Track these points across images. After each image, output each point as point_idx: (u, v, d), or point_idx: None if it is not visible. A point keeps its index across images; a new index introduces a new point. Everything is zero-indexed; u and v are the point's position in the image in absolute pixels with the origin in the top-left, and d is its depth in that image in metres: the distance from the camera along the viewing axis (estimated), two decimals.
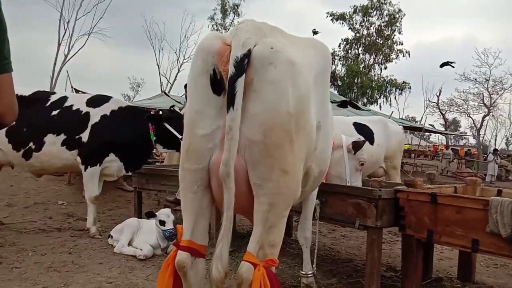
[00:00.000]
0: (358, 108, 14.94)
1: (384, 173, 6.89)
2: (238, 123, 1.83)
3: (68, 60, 27.34)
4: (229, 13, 34.86)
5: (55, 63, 26.88)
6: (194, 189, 2.03)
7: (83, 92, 15.81)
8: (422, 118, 35.99)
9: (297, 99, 1.97)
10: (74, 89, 16.26)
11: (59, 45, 27.17)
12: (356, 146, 4.03)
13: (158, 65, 34.32)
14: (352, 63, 34.47)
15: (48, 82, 26.81)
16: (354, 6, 33.90)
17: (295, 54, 2.02)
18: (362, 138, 4.58)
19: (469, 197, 3.10)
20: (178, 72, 34.23)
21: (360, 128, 6.42)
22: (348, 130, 6.12)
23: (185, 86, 5.91)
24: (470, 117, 32.86)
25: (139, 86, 43.86)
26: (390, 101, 34.80)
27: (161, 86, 33.46)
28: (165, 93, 22.41)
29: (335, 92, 32.00)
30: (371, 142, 6.23)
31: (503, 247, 2.77)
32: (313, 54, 2.32)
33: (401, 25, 33.46)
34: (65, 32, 27.29)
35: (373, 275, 3.32)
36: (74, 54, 27.73)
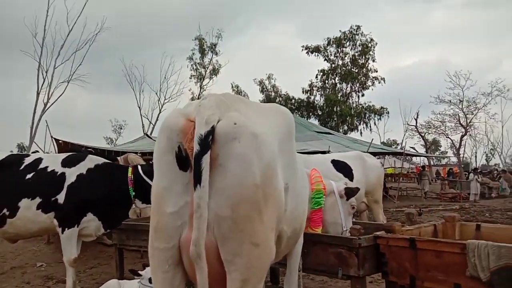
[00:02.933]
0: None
1: (366, 208, 6.93)
2: (206, 200, 1.83)
3: (48, 108, 27.14)
4: (207, 52, 35.56)
5: (34, 112, 26.64)
6: (165, 267, 1.99)
7: (64, 141, 15.71)
8: (402, 141, 36.69)
9: (262, 169, 1.98)
10: (54, 138, 16.09)
11: (38, 94, 27.00)
12: (350, 193, 4.08)
13: (140, 107, 34.42)
14: (330, 92, 35.27)
15: (28, 131, 26.50)
16: (328, 38, 35.09)
17: (258, 125, 2.05)
18: (346, 180, 4.60)
19: (446, 241, 3.12)
20: (160, 112, 34.34)
21: (339, 165, 6.49)
22: (327, 168, 6.18)
23: None
24: (448, 137, 33.58)
25: (121, 128, 43.79)
26: (370, 127, 35.54)
27: (143, 127, 33.46)
28: (147, 135, 22.37)
29: (316, 122, 32.52)
30: (351, 179, 6.28)
31: None
32: (276, 121, 2.36)
33: (374, 53, 34.72)
34: (44, 81, 27.22)
35: None
36: (54, 102, 27.59)
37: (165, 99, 34.73)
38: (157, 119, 33.76)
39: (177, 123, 1.97)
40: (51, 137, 16.27)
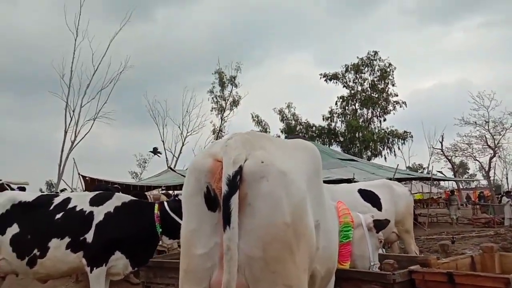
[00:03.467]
0: None
1: (397, 238, 6.69)
2: (236, 241, 1.80)
3: (75, 146, 27.97)
4: (227, 85, 36.27)
5: (62, 150, 27.48)
6: None
7: (91, 178, 16.06)
8: (429, 165, 35.79)
9: (292, 208, 1.95)
10: (81, 175, 16.50)
11: (65, 132, 27.96)
12: (380, 226, 3.98)
13: (163, 141, 34.96)
14: (351, 118, 35.09)
15: (55, 169, 27.25)
16: (346, 65, 35.29)
17: (285, 163, 2.04)
18: (374, 210, 4.47)
19: (487, 275, 2.96)
20: (183, 145, 34.80)
21: (366, 194, 6.34)
22: (354, 199, 6.05)
23: None
24: (477, 160, 32.60)
25: (145, 162, 44.43)
26: (394, 151, 34.98)
27: (166, 161, 33.88)
28: (171, 168, 22.66)
29: (338, 149, 32.25)
30: (379, 208, 6.12)
31: None
32: (302, 158, 2.34)
33: (393, 77, 34.61)
34: (71, 120, 28.22)
35: None
36: (80, 140, 28.45)
37: (187, 132, 35.28)
38: (180, 152, 34.23)
39: (204, 164, 1.98)
40: (78, 174, 16.70)
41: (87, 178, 16.20)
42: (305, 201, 2.11)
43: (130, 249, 4.99)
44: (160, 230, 5.05)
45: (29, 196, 5.12)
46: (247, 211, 1.89)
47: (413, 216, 7.22)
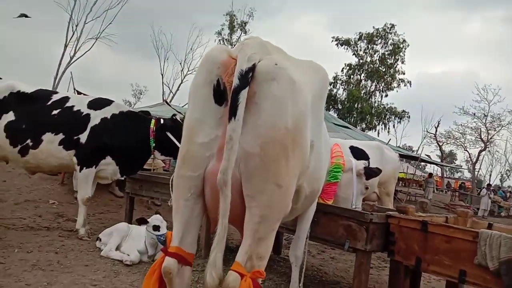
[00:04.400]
0: None
1: (377, 199, 6.90)
2: (239, 133, 1.86)
3: (73, 62, 27.47)
4: (237, 30, 35.31)
5: (60, 64, 26.98)
6: (187, 196, 2.05)
7: (85, 95, 15.92)
8: (419, 148, 36.15)
9: (296, 116, 2.01)
10: (77, 90, 16.31)
11: (65, 46, 27.30)
12: (371, 174, 4.12)
13: (162, 74, 34.50)
14: (354, 88, 34.81)
15: (51, 82, 26.88)
16: (360, 33, 34.45)
17: (296, 73, 2.07)
18: (366, 163, 4.57)
19: (459, 227, 3.11)
20: (181, 83, 34.38)
21: (357, 152, 6.44)
22: (344, 152, 6.17)
23: None
24: (466, 150, 33.02)
25: (141, 94, 43.94)
26: (389, 128, 35.01)
27: (163, 95, 33.60)
28: (166, 102, 22.47)
29: (335, 115, 32.25)
30: None
31: (490, 280, 2.78)
32: (312, 76, 2.37)
33: (404, 55, 33.95)
34: (73, 34, 27.46)
35: None
36: (80, 57, 27.87)
37: (188, 71, 34.74)
38: (177, 89, 33.90)
39: (219, 57, 2.00)
40: (74, 89, 16.48)
41: (82, 94, 16.05)
42: (307, 115, 2.16)
43: (121, 157, 5.10)
44: (154, 144, 5.14)
45: (28, 87, 5.10)
46: (253, 109, 1.93)
47: (396, 181, 7.42)
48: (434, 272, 3.15)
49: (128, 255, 4.22)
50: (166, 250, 2.10)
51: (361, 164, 4.17)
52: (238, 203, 1.98)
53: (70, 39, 27.35)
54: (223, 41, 35.50)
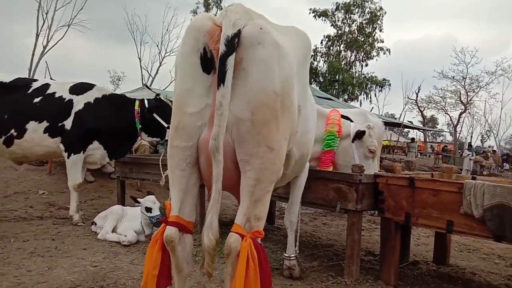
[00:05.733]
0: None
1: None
2: (228, 99, 1.89)
3: (47, 51, 26.64)
4: (212, 7, 34.69)
5: (33, 55, 26.17)
6: (182, 166, 2.08)
7: None
8: (401, 115, 36.71)
9: (283, 80, 2.04)
10: (54, 80, 15.95)
11: (37, 36, 26.43)
12: (358, 134, 4.12)
13: (140, 58, 33.81)
14: (334, 59, 34.85)
15: (26, 74, 26.13)
16: (337, 3, 34.26)
17: (281, 38, 2.10)
18: (370, 125, 4.47)
19: (445, 180, 3.25)
20: (160, 65, 33.80)
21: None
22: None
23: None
24: (447, 114, 33.66)
25: (119, 80, 43.07)
26: (370, 98, 35.39)
27: (142, 79, 33.04)
28: (146, 86, 22.11)
29: (317, 88, 32.34)
30: None
31: (476, 227, 2.93)
32: (295, 42, 2.41)
33: (382, 23, 34.01)
34: (43, 23, 26.54)
35: (353, 256, 3.45)
36: (53, 46, 27.02)
37: (166, 52, 34.13)
38: (156, 72, 33.36)
39: (204, 25, 2.01)
40: (51, 78, 16.11)
41: None
42: (294, 79, 2.20)
43: (108, 141, 5.08)
44: (140, 126, 5.13)
45: (6, 77, 4.99)
46: (240, 75, 1.96)
47: (381, 147, 7.57)
48: (423, 225, 3.29)
49: (125, 236, 4.26)
50: (166, 220, 2.15)
51: (364, 127, 4.15)
52: (233, 169, 2.03)
53: (41, 28, 26.47)
54: None
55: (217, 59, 1.92)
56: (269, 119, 2.00)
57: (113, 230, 4.43)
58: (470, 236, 3.17)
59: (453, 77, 31.14)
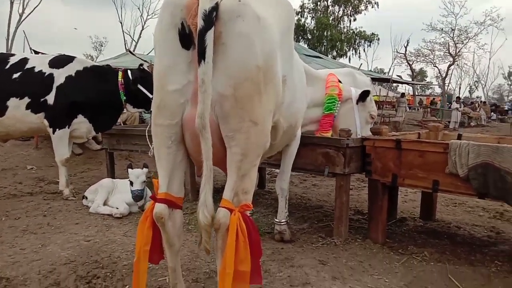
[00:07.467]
0: None
1: None
2: (210, 76, 1.84)
3: (24, 19, 25.71)
4: None
5: (9, 23, 25.27)
6: (168, 144, 2.06)
7: (43, 54, 15.09)
8: (390, 69, 36.54)
9: (265, 53, 1.99)
10: (33, 50, 15.42)
11: (11, 3, 25.37)
12: (362, 95, 4.06)
13: (121, 23, 32.90)
14: (322, 15, 34.12)
15: (3, 43, 25.29)
16: None
17: (261, 9, 2.02)
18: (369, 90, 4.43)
19: (430, 141, 3.28)
20: (143, 29, 32.97)
21: None
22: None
23: None
24: (436, 66, 33.65)
25: (102, 46, 41.94)
26: (359, 53, 35.10)
27: (125, 44, 32.30)
28: (130, 51, 21.60)
29: (305, 46, 31.83)
30: None
31: (460, 185, 3.00)
32: (277, 11, 2.31)
33: None
34: None
35: (341, 217, 3.54)
36: (30, 13, 26.06)
37: (147, 15, 33.15)
38: (139, 36, 32.52)
39: None
40: (30, 48, 15.57)
41: (40, 53, 15.20)
42: (276, 51, 2.14)
43: (93, 114, 4.99)
44: (125, 98, 5.03)
45: None
46: (220, 50, 1.90)
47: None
48: (409, 185, 3.36)
49: (117, 208, 4.30)
50: (154, 197, 2.16)
51: (360, 91, 4.11)
52: (218, 146, 2.01)
53: None
54: None
55: (196, 34, 1.86)
56: (252, 94, 1.96)
57: (105, 203, 4.45)
58: (455, 194, 3.25)
59: (442, 29, 30.85)
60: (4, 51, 25.40)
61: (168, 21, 1.96)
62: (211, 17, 1.83)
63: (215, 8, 1.85)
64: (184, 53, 1.96)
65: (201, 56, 1.82)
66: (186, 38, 1.94)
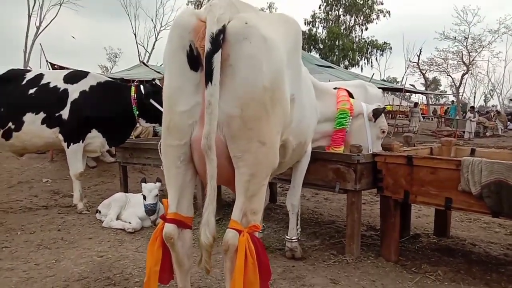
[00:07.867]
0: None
1: None
2: (217, 98, 1.87)
3: (41, 32, 26.33)
4: None
5: (27, 36, 25.88)
6: (177, 164, 2.09)
7: (60, 66, 15.40)
8: (403, 78, 36.24)
9: (272, 73, 2.01)
10: (50, 63, 15.77)
11: (29, 17, 26.06)
12: (376, 113, 4.04)
13: (135, 34, 33.37)
14: (333, 25, 34.16)
15: (21, 56, 25.91)
16: None
17: (268, 30, 2.04)
18: (380, 105, 4.41)
19: (442, 158, 3.24)
20: (156, 40, 33.39)
21: None
22: None
23: None
24: (449, 75, 33.22)
25: (116, 57, 42.65)
26: (371, 62, 34.95)
27: (139, 55, 32.73)
28: (143, 63, 21.90)
29: (317, 55, 31.86)
30: None
31: (474, 203, 2.95)
32: (284, 30, 2.34)
33: None
34: (34, 3, 26.13)
35: (353, 235, 3.50)
36: (47, 26, 26.69)
37: (161, 26, 33.62)
38: (153, 47, 32.97)
39: (189, 21, 1.96)
40: (47, 61, 15.91)
41: (56, 66, 15.50)
42: (283, 71, 2.16)
43: (106, 128, 5.08)
44: (137, 112, 5.10)
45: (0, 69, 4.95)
46: (228, 71, 1.93)
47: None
48: (422, 202, 3.31)
49: (130, 223, 4.33)
50: (164, 217, 2.18)
51: (372, 107, 4.06)
52: (227, 166, 2.03)
53: (33, 8, 26.02)
54: None
55: (204, 56, 1.89)
56: (259, 114, 1.98)
57: (118, 217, 4.49)
58: (469, 213, 3.20)
59: (455, 37, 30.50)
60: (22, 64, 26.09)
61: (177, 43, 2.00)
62: (219, 40, 1.87)
63: (222, 30, 1.88)
64: (192, 75, 1.99)
65: (208, 78, 1.86)
66: (194, 60, 1.97)
